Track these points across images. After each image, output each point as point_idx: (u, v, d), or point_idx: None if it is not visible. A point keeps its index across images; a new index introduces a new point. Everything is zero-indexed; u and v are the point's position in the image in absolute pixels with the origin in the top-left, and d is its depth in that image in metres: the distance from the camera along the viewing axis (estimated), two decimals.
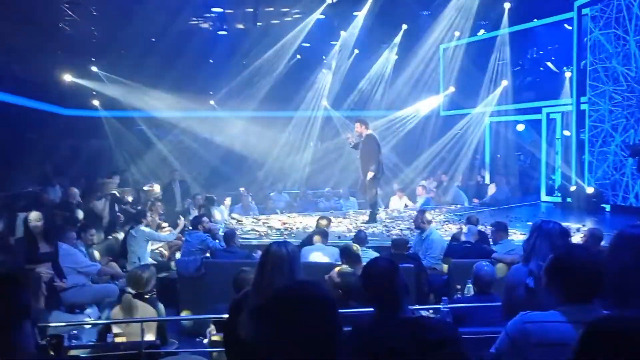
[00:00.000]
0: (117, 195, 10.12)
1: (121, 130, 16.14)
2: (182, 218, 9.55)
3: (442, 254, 7.04)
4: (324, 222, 7.70)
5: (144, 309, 4.67)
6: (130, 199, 10.47)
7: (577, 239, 6.82)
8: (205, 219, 8.28)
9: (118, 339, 4.26)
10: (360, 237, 6.82)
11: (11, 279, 2.03)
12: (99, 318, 5.88)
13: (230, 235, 7.25)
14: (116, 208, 9.78)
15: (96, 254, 7.71)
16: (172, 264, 8.09)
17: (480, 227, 7.56)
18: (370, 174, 8.99)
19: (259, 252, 6.65)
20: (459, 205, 12.52)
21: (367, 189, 9.41)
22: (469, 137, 15.24)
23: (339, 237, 8.01)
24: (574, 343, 2.08)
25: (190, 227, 8.10)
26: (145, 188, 11.66)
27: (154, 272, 5.23)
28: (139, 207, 9.96)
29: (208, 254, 7.47)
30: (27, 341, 1.94)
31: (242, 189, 13.06)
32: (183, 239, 8.58)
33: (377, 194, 9.82)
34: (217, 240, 7.83)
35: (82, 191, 10.41)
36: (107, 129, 15.93)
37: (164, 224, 9.34)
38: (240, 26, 14.88)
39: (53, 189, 10.55)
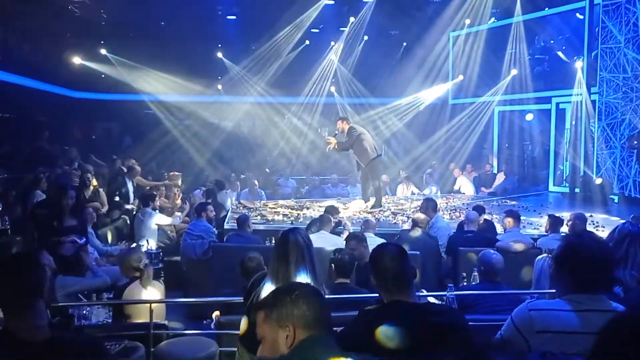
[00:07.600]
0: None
1: (129, 113, 16.18)
2: (187, 202, 9.59)
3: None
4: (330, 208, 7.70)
5: (158, 286, 4.71)
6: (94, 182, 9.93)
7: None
8: (210, 207, 8.11)
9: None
10: (369, 224, 6.81)
11: (25, 259, 2.06)
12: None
13: (243, 219, 7.27)
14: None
15: (109, 234, 7.72)
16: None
17: (486, 216, 7.56)
18: (365, 160, 9.24)
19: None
20: (466, 194, 12.48)
21: (369, 176, 9.52)
22: (476, 125, 15.17)
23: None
24: (581, 330, 2.10)
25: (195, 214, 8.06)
26: (172, 173, 11.48)
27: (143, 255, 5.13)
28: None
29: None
30: (41, 320, 1.98)
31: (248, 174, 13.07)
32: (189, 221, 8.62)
33: (380, 178, 9.88)
34: None
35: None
36: (115, 112, 15.99)
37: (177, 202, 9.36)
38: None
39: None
